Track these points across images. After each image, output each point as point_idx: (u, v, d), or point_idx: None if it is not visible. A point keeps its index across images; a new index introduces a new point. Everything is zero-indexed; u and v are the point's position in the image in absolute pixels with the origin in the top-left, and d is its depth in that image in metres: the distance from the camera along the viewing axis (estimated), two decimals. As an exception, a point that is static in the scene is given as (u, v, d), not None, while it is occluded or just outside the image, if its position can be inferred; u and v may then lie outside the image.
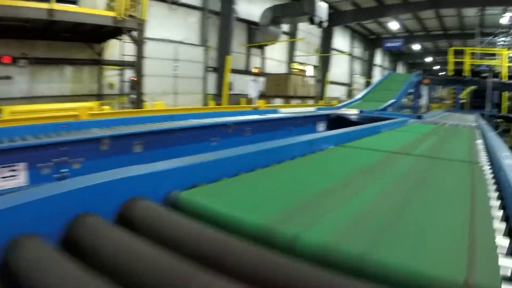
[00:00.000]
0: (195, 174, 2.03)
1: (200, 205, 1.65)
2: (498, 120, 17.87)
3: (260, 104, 13.52)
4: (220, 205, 1.62)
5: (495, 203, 1.92)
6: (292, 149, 3.06)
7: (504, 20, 26.67)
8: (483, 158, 3.48)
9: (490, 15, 27.83)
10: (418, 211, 1.71)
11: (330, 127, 9.88)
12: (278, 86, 22.75)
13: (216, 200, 1.71)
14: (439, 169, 2.81)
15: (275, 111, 9.56)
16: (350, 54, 35.40)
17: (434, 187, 2.20)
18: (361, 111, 10.65)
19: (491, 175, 2.71)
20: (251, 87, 12.98)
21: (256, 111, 9.79)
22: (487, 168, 2.92)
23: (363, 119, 9.68)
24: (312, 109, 11.19)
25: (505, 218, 1.72)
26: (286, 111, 9.73)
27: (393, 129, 6.10)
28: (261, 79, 22.63)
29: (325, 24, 22.78)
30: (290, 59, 27.90)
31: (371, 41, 38.26)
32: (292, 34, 27.50)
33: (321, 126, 9.93)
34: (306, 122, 9.37)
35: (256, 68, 23.78)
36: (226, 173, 2.24)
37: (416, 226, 1.49)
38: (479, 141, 4.96)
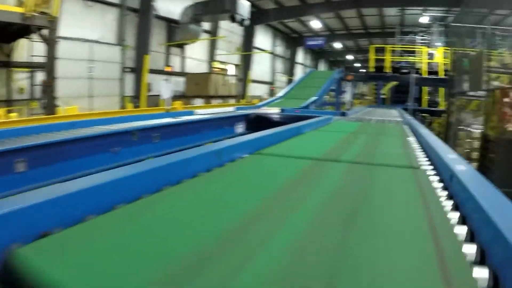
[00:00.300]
0: (46, 214, 1.43)
1: (37, 272, 1.08)
2: (422, 114, 19.17)
3: (177, 105, 13.50)
4: (63, 275, 1.07)
5: (453, 214, 1.80)
6: (193, 164, 2.46)
7: (423, 19, 28.84)
8: (423, 160, 3.27)
9: (410, 14, 29.74)
10: (368, 235, 1.44)
11: (249, 128, 9.63)
12: (198, 86, 22.85)
13: (58, 263, 1.14)
14: (378, 178, 2.49)
15: (191, 113, 9.32)
16: (272, 53, 36.13)
17: (378, 202, 1.93)
18: (282, 110, 10.66)
19: (440, 183, 2.49)
20: (163, 87, 12.79)
21: (169, 113, 9.32)
22: (432, 173, 2.74)
23: (284, 118, 9.52)
24: (231, 109, 11.04)
25: (462, 221, 1.73)
26: (203, 112, 9.54)
27: (317, 129, 5.87)
28: (177, 79, 22.91)
29: (247, 23, 22.77)
30: (211, 58, 27.97)
31: (293, 40, 39.21)
32: (213, 32, 27.58)
33: (239, 128, 9.60)
34: (223, 124, 9.00)
35: (168, 66, 23.43)
36: (92, 209, 1.62)
37: (371, 256, 1.24)
38: (411, 138, 4.95)
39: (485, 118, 10.17)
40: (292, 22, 34.03)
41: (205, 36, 26.22)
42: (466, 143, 12.76)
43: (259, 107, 12.23)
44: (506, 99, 9.25)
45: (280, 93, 15.42)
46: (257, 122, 9.67)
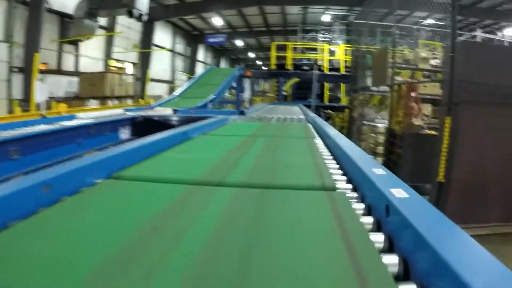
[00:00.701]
0: None
1: None
2: (325, 110, 18.89)
3: (61, 108, 12.08)
4: None
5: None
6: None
7: (325, 17, 29.19)
8: (337, 176, 2.50)
9: (312, 13, 29.79)
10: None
11: (136, 133, 8.51)
12: (93, 86, 21.38)
13: None
14: (280, 212, 1.70)
15: (72, 117, 7.88)
16: (172, 50, 34.88)
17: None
18: (175, 111, 9.58)
19: (362, 209, 1.85)
20: (37, 89, 10.53)
21: (45, 119, 7.49)
22: (352, 196, 2.04)
23: (177, 121, 8.43)
24: (119, 111, 9.68)
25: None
26: (85, 116, 8.15)
27: (209, 132, 4.93)
28: (70, 79, 21.57)
29: (145, 18, 21.46)
30: (108, 56, 26.39)
31: (194, 37, 38.18)
32: (110, 28, 26.16)
33: (124, 133, 8.38)
34: (104, 130, 7.67)
35: (43, 64, 21.23)
36: None
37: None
38: (318, 140, 4.24)
39: (390, 113, 9.80)
40: (193, 18, 32.93)
41: (101, 32, 24.67)
42: (370, 137, 12.45)
43: (152, 107, 11.24)
44: (412, 94, 8.86)
45: (177, 92, 14.29)
46: (145, 126, 8.41)
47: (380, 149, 11.62)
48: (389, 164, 10.06)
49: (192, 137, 4.33)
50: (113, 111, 9.52)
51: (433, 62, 12.83)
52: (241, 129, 5.62)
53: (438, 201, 7.18)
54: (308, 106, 15.12)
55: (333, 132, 4.43)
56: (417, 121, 9.16)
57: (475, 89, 7.00)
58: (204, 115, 8.32)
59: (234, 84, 17.15)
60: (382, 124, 11.83)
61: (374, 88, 12.81)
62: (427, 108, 10.86)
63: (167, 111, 9.67)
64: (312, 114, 8.83)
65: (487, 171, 7.33)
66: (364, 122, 13.07)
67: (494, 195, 7.32)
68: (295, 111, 11.43)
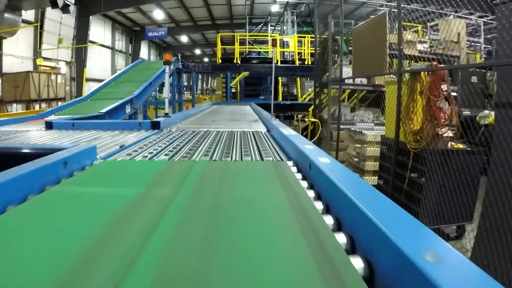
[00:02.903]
0: None
1: None
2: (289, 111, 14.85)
3: None
4: None
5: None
6: None
7: (274, 8, 26.01)
8: None
9: (260, 3, 27.01)
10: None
11: None
12: (17, 89, 18.35)
13: None
14: None
15: None
16: (111, 47, 30.32)
17: None
18: (48, 124, 5.01)
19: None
20: None
21: None
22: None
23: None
24: None
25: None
26: None
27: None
28: None
29: (72, 9, 18.52)
30: (38, 55, 22.33)
31: (135, 33, 34.20)
32: (39, 24, 22.25)
33: None
34: None
35: None
36: None
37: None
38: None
39: (399, 117, 6.02)
40: (133, 13, 29.06)
41: (27, 27, 21.06)
42: (351, 147, 8.66)
43: (43, 116, 7.09)
44: (443, 87, 5.07)
45: (89, 92, 10.04)
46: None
47: (370, 166, 7.91)
48: (396, 193, 6.36)
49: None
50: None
51: (420, 46, 9.42)
52: (110, 192, 1.79)
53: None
54: (261, 105, 11.27)
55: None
56: (446, 132, 5.45)
57: None
58: (87, 129, 4.69)
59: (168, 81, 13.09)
60: (371, 131, 8.13)
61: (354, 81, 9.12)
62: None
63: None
64: (276, 122, 4.73)
65: None
66: (340, 126, 9.38)
67: None
68: (247, 114, 7.95)
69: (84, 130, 4.60)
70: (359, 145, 8.16)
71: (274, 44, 7.13)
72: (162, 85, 14.26)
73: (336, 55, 10.49)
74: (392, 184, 6.30)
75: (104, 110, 6.84)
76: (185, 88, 29.20)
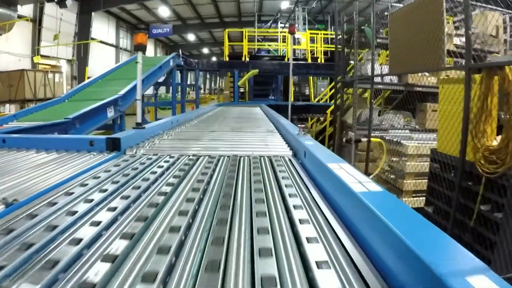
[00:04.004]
0: None
1: None
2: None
3: None
4: None
5: None
6: None
7: (284, 4, 24.83)
8: None
9: (270, 0, 25.87)
10: None
11: None
12: (12, 88, 17.11)
13: None
14: None
15: None
16: (115, 45, 28.79)
17: None
18: None
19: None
20: None
21: None
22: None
23: None
24: None
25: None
26: None
27: None
28: None
29: (69, 3, 17.71)
30: (36, 53, 20.96)
31: (140, 31, 31.80)
32: (37, 20, 21.12)
33: None
34: None
35: None
36: None
37: None
38: None
39: (445, 126, 4.31)
40: (137, 10, 27.62)
41: (25, 24, 20.08)
42: (385, 160, 7.01)
43: (2, 122, 5.56)
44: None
45: (70, 91, 8.30)
46: None
47: (409, 185, 6.20)
48: (457, 230, 4.65)
49: None
50: None
51: (457, 40, 8.08)
52: None
53: None
54: (272, 106, 9.58)
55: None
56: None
57: None
58: (18, 147, 3.14)
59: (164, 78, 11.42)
60: (412, 141, 6.40)
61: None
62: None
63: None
64: (306, 140, 3.01)
65: None
66: (369, 134, 7.68)
67: None
68: (258, 119, 6.33)
69: (13, 148, 2.95)
70: (396, 158, 6.45)
71: (291, 31, 5.45)
72: (162, 83, 12.58)
73: (363, 49, 8.75)
74: (454, 218, 4.58)
75: (71, 116, 5.17)
76: (192, 88, 27.63)
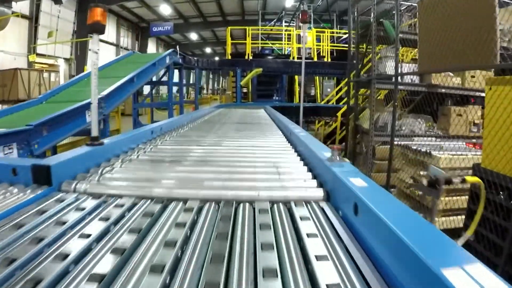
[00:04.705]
0: None
1: None
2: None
3: None
4: None
5: None
6: None
7: (288, 2, 23.91)
8: None
9: None
10: None
11: None
12: (5, 88, 16.06)
13: None
14: None
15: None
16: (115, 44, 27.93)
17: None
18: None
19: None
20: None
21: None
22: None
23: None
24: None
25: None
26: None
27: None
28: None
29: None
30: (32, 51, 20.14)
31: (142, 30, 31.84)
32: (33, 17, 20.24)
33: None
34: None
35: None
36: None
37: None
38: None
39: (493, 136, 3.30)
40: (138, 8, 26.69)
41: (21, 21, 19.23)
42: (409, 172, 6.05)
43: None
44: None
45: (49, 91, 7.21)
46: None
47: (440, 203, 5.17)
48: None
49: None
50: None
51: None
52: None
53: None
54: (277, 108, 8.57)
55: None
56: None
57: None
58: None
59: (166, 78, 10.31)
60: (442, 152, 5.35)
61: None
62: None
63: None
64: (360, 181, 1.78)
65: None
66: (385, 137, 6.68)
67: None
68: (262, 125, 5.34)
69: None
70: (423, 172, 5.42)
71: (303, 20, 4.45)
72: (158, 82, 11.53)
73: (380, 46, 7.70)
74: (509, 254, 3.57)
75: (35, 123, 4.17)
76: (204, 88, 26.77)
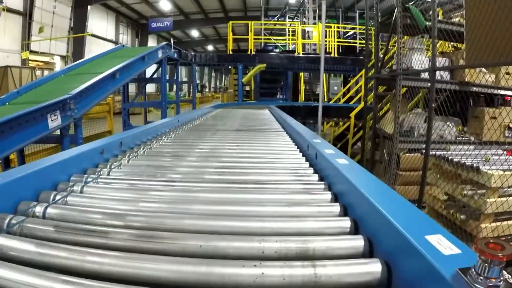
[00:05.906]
0: None
1: None
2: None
3: None
4: None
5: None
6: None
7: None
8: None
9: None
10: None
11: None
12: None
13: None
14: None
15: None
16: (114, 41, 26.91)
17: None
18: None
19: None
20: None
21: None
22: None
23: None
24: None
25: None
26: None
27: None
28: None
29: None
30: (25, 48, 19.35)
31: (141, 27, 30.80)
32: (27, 13, 19.39)
33: None
34: None
35: None
36: None
37: None
38: None
39: None
40: (137, 3, 25.75)
41: (14, 17, 18.70)
42: (445, 189, 4.86)
43: None
44: None
45: (13, 90, 6.07)
46: None
47: (488, 229, 4.04)
48: None
49: None
50: None
51: None
52: None
53: None
54: (282, 108, 7.49)
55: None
56: None
57: None
58: None
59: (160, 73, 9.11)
60: (494, 165, 4.19)
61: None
62: None
63: None
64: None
65: None
66: (412, 144, 5.59)
67: None
68: (268, 132, 4.07)
69: None
70: (471, 191, 4.30)
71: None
72: (150, 79, 10.37)
73: (405, 36, 6.53)
74: None
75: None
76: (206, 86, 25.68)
